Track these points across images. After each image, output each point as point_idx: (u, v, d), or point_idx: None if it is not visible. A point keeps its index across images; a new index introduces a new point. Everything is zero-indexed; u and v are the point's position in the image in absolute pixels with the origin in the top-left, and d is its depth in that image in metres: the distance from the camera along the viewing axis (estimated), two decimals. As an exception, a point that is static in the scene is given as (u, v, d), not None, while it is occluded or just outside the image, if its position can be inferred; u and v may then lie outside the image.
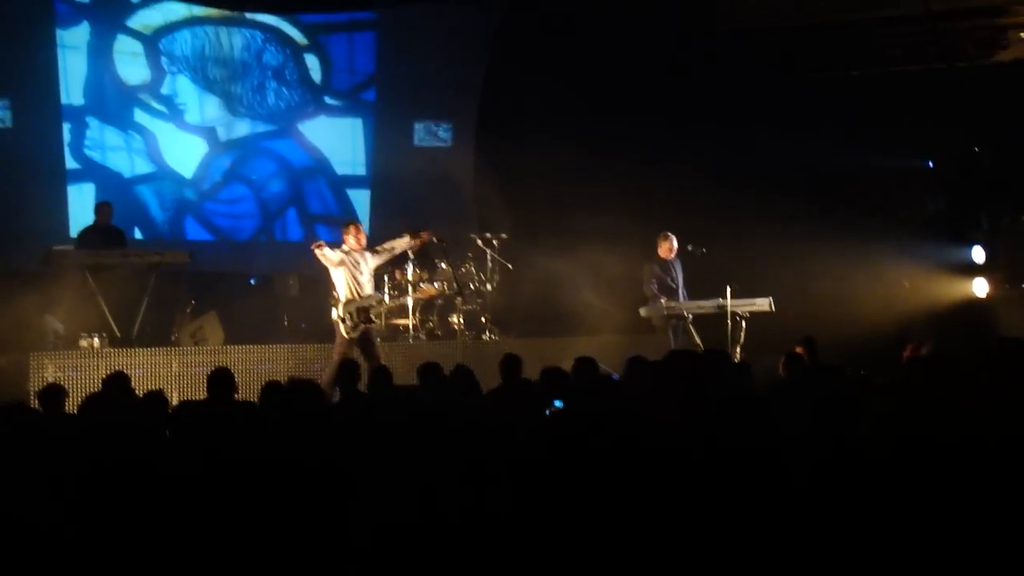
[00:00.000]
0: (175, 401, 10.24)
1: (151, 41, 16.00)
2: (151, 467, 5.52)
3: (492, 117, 16.76)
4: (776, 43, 15.80)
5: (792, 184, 15.29)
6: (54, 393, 8.08)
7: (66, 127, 15.55)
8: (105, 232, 13.86)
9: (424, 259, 14.03)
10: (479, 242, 14.45)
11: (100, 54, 15.70)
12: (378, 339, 12.41)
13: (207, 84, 16.37)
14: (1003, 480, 5.05)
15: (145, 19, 16.02)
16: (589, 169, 15.27)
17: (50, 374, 11.35)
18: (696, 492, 5.15)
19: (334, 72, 17.09)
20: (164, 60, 16.09)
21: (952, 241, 15.49)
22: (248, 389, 9.97)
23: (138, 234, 15.70)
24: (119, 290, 12.78)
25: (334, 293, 12.19)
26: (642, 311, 13.26)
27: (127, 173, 15.97)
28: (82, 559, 4.98)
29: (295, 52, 16.82)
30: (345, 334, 11.77)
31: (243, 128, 16.64)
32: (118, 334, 12.68)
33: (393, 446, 5.79)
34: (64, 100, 15.51)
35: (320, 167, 17.08)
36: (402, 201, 16.26)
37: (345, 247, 12.06)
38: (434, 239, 13.12)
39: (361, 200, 16.98)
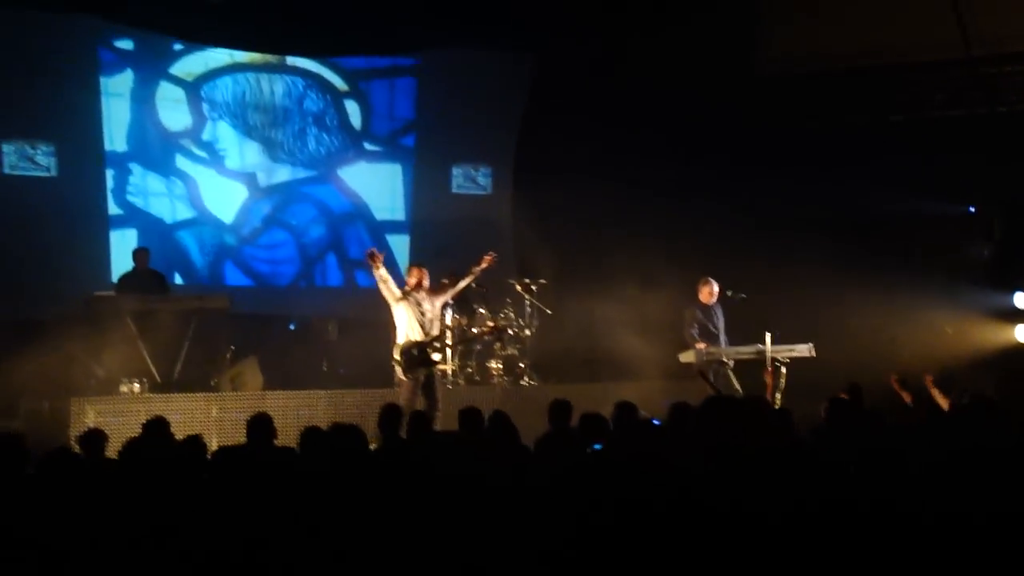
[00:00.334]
0: (214, 446, 10.22)
1: (193, 88, 16.16)
2: (190, 511, 5.51)
3: (531, 161, 16.79)
4: (816, 88, 15.77)
5: (833, 229, 15.22)
6: (95, 438, 8.09)
7: (109, 173, 15.69)
8: (145, 277, 13.93)
9: (464, 305, 13.99)
10: (518, 287, 14.42)
11: (143, 101, 15.86)
12: (449, 383, 12.14)
13: (247, 130, 16.50)
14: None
15: (187, 66, 16.18)
16: (627, 213, 15.26)
17: (91, 419, 11.38)
18: (736, 543, 5.10)
19: (374, 118, 17.20)
20: (205, 106, 16.25)
21: (995, 287, 15.35)
22: (287, 434, 9.95)
23: (179, 279, 15.79)
24: (160, 335, 12.84)
25: (395, 335, 11.86)
26: (681, 357, 13.15)
27: (168, 219, 16.08)
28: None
29: (335, 98, 16.93)
30: (402, 376, 11.58)
31: (283, 174, 16.74)
32: (158, 379, 12.74)
33: (430, 496, 5.76)
34: (108, 147, 15.65)
35: (359, 212, 17.15)
36: (441, 246, 16.25)
37: (407, 288, 11.73)
38: (490, 262, 12.28)
39: (400, 245, 17.02)
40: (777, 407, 11.08)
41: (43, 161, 15.24)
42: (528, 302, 14.40)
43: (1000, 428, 7.16)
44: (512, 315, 14.27)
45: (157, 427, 8.16)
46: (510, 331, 14.11)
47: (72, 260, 14.99)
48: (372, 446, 7.84)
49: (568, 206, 15.06)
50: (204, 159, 16.27)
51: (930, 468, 5.73)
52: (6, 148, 15.07)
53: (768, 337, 12.75)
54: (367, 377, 13.81)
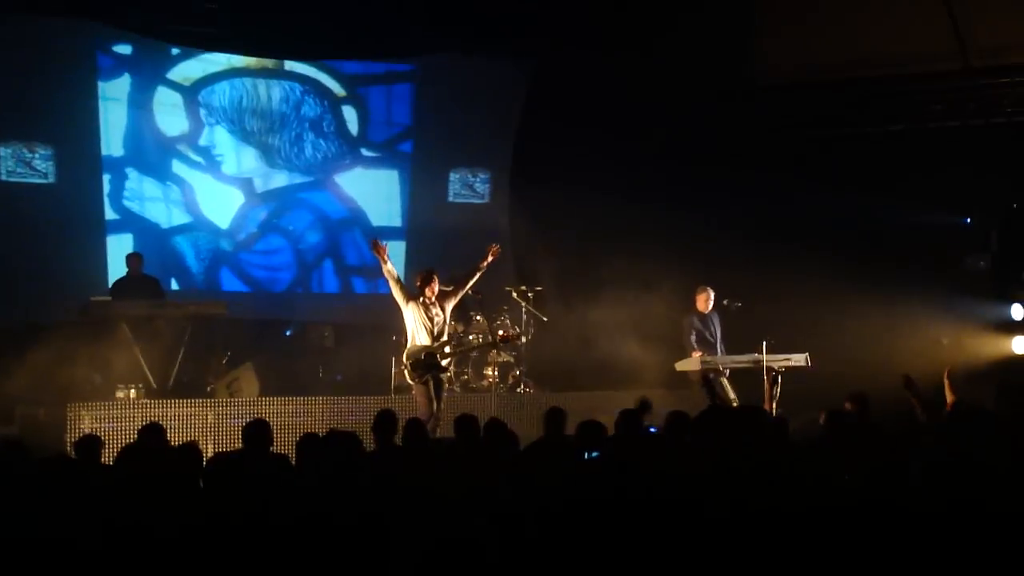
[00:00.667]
0: (210, 452, 10.22)
1: (190, 93, 16.13)
2: (185, 518, 5.50)
3: (528, 167, 16.79)
4: (815, 98, 15.78)
5: (829, 239, 15.23)
6: (90, 444, 8.07)
7: (106, 178, 15.65)
8: (138, 282, 13.91)
9: (460, 311, 13.96)
10: (514, 294, 14.42)
11: (140, 105, 15.82)
12: (447, 388, 12.15)
13: (244, 136, 16.47)
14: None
15: (185, 71, 16.15)
16: (624, 221, 15.25)
17: (87, 425, 11.38)
18: (728, 544, 5.10)
19: (371, 124, 17.18)
20: (203, 111, 16.21)
21: (992, 298, 15.35)
22: (283, 441, 9.96)
23: (174, 285, 15.75)
24: (155, 341, 12.84)
25: (403, 340, 11.84)
26: (678, 366, 13.14)
27: (164, 224, 16.05)
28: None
29: (333, 104, 16.92)
30: (409, 380, 11.58)
31: (280, 179, 16.71)
32: (154, 385, 12.73)
33: (425, 498, 5.76)
34: (105, 151, 15.61)
35: (356, 218, 17.13)
36: (438, 252, 16.21)
37: (426, 299, 11.59)
38: (495, 253, 12.20)
39: (397, 251, 16.95)
40: (774, 416, 11.08)
41: (40, 166, 15.21)
42: (524, 309, 14.40)
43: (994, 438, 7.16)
44: (508, 322, 14.28)
45: (153, 433, 8.14)
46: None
47: (68, 265, 14.96)
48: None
49: (565, 213, 15.05)
50: (201, 164, 16.23)
51: (927, 477, 5.72)
52: (3, 152, 15.06)
53: (764, 346, 12.74)
54: (363, 383, 13.83)
